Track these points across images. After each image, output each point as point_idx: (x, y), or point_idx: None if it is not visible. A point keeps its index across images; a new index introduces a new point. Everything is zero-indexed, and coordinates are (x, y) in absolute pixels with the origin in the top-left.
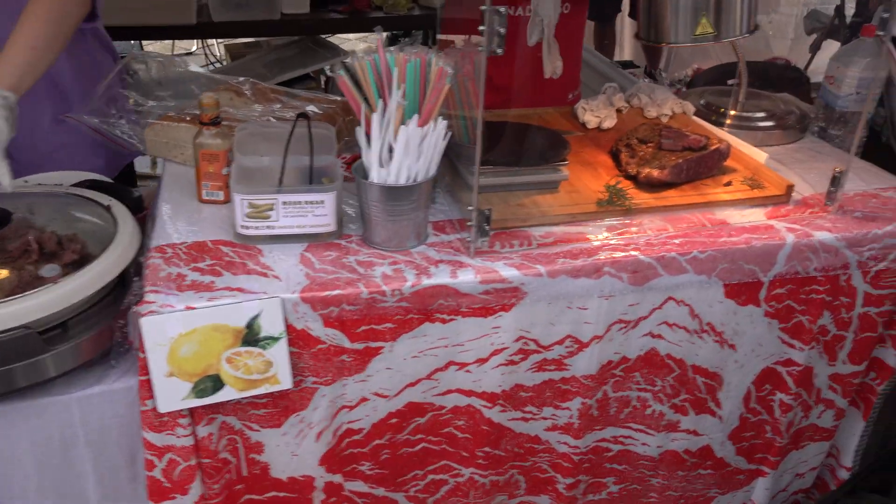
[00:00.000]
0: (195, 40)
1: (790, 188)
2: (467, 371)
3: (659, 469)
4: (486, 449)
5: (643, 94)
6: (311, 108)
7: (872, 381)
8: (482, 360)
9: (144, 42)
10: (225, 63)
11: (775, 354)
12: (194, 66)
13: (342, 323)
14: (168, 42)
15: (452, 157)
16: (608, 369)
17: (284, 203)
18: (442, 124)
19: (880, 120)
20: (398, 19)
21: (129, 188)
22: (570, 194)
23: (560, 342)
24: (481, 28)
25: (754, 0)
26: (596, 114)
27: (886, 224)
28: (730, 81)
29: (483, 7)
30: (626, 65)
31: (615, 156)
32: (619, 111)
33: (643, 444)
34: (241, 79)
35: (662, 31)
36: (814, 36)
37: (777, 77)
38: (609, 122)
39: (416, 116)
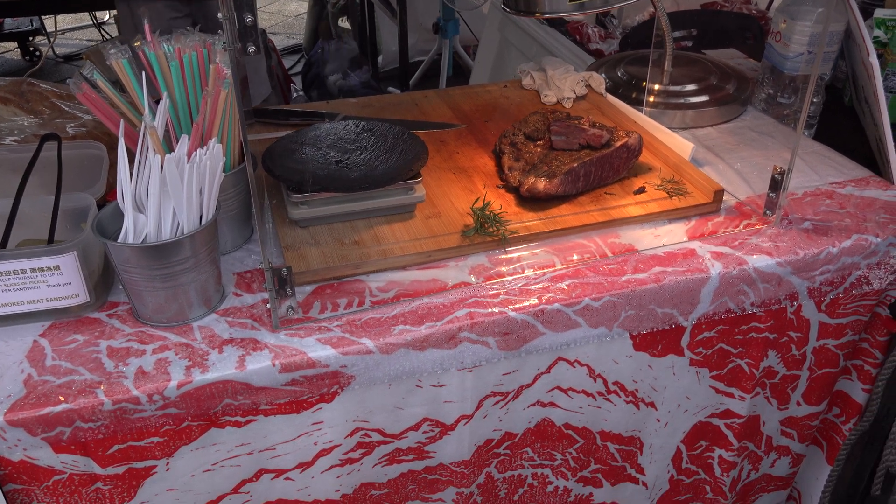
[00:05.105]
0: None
1: (719, 194)
2: (288, 479)
3: None
4: None
5: (536, 73)
6: (88, 117)
7: (836, 419)
8: (306, 465)
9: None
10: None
11: (709, 407)
12: None
13: (82, 445)
14: (65, 16)
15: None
16: (487, 449)
17: None
18: (216, 147)
19: (842, 75)
20: None
21: None
22: (428, 221)
23: (415, 427)
24: (220, 16)
25: None
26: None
27: (843, 237)
28: (676, 34)
29: None
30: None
31: (498, 157)
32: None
33: None
34: (10, 79)
35: None
36: None
37: (724, 26)
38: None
39: (185, 139)
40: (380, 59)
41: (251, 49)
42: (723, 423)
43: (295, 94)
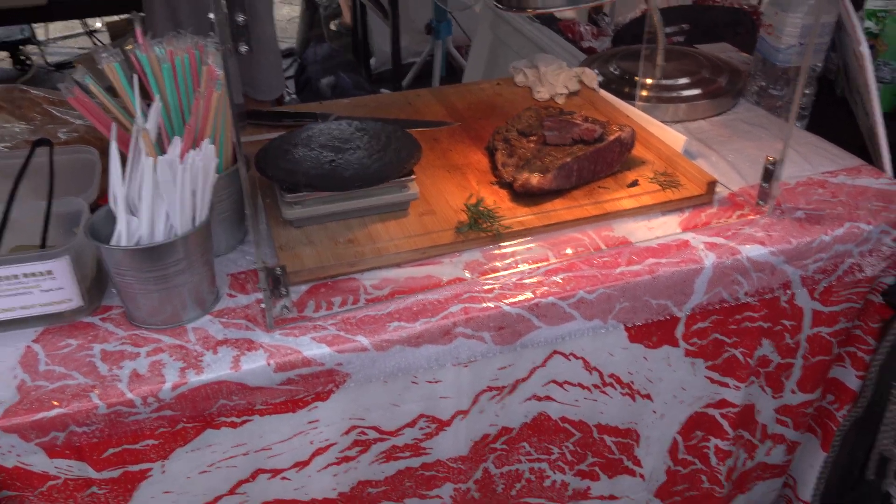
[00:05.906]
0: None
1: (712, 185)
2: (284, 479)
3: None
4: None
5: (529, 69)
6: (80, 122)
7: (830, 406)
8: (302, 464)
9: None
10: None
11: (704, 397)
12: None
13: (77, 450)
14: (56, 24)
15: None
16: (484, 445)
17: None
18: (209, 149)
19: (833, 67)
20: None
21: None
22: (422, 218)
23: (411, 424)
24: (211, 15)
25: None
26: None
27: (836, 226)
28: (668, 30)
29: None
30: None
31: (492, 154)
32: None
33: None
34: (2, 86)
35: None
36: None
37: (716, 21)
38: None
39: (177, 140)
40: (372, 60)
41: (243, 48)
42: (718, 412)
43: (287, 98)
